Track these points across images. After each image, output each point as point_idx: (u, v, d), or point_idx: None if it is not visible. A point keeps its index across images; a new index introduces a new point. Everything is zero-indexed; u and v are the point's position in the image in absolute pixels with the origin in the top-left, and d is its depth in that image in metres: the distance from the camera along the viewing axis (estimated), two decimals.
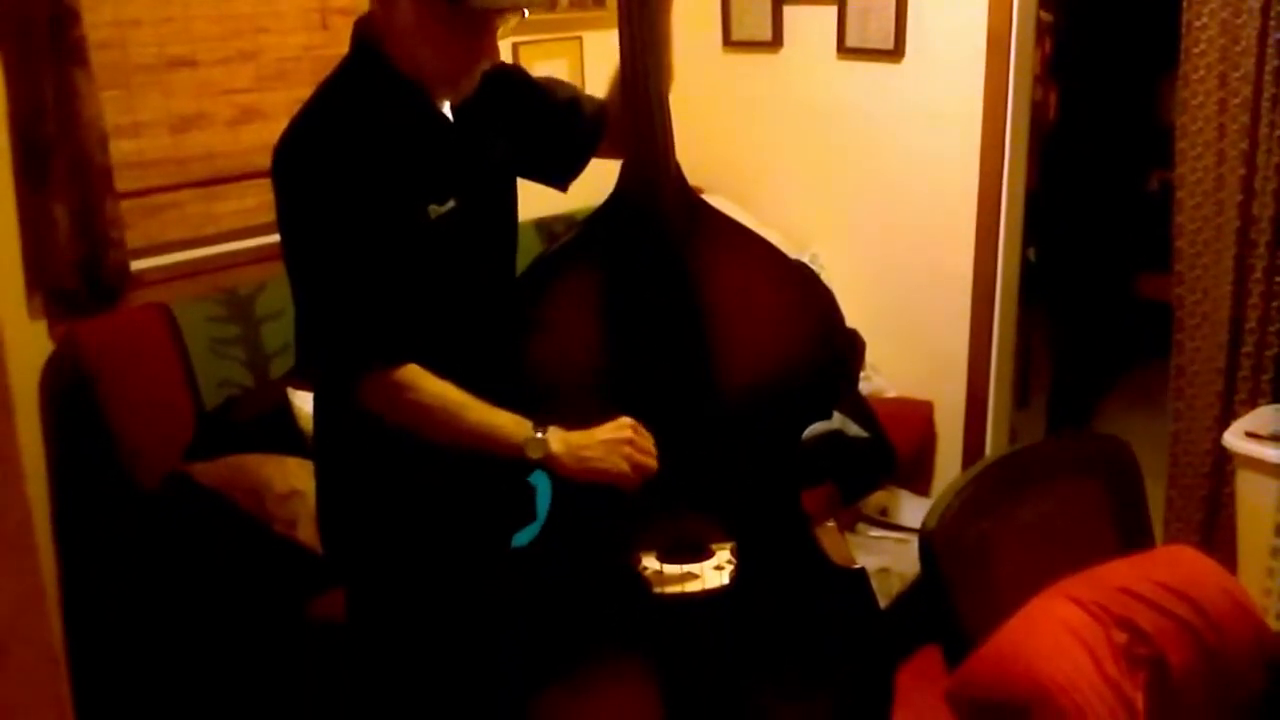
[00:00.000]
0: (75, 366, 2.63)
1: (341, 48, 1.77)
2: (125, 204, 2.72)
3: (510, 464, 1.76)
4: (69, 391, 2.66)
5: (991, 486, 2.00)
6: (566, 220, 3.21)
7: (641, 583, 1.83)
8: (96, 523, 2.73)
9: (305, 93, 1.76)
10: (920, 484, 3.70)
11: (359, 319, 1.68)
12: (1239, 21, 2.91)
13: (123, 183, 2.70)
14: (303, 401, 2.62)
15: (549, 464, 1.72)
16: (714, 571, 1.85)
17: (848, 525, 3.29)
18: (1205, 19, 2.96)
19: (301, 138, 1.69)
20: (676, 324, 1.81)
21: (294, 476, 2.44)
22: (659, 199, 1.80)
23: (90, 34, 2.58)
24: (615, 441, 1.73)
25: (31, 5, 2.47)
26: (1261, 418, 2.94)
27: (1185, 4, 2.99)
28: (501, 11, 1.66)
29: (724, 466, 1.88)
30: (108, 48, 2.69)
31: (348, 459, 1.87)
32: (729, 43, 3.93)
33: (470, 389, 1.71)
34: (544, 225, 3.26)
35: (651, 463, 1.74)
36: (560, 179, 2.00)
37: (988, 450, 3.63)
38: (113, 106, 2.69)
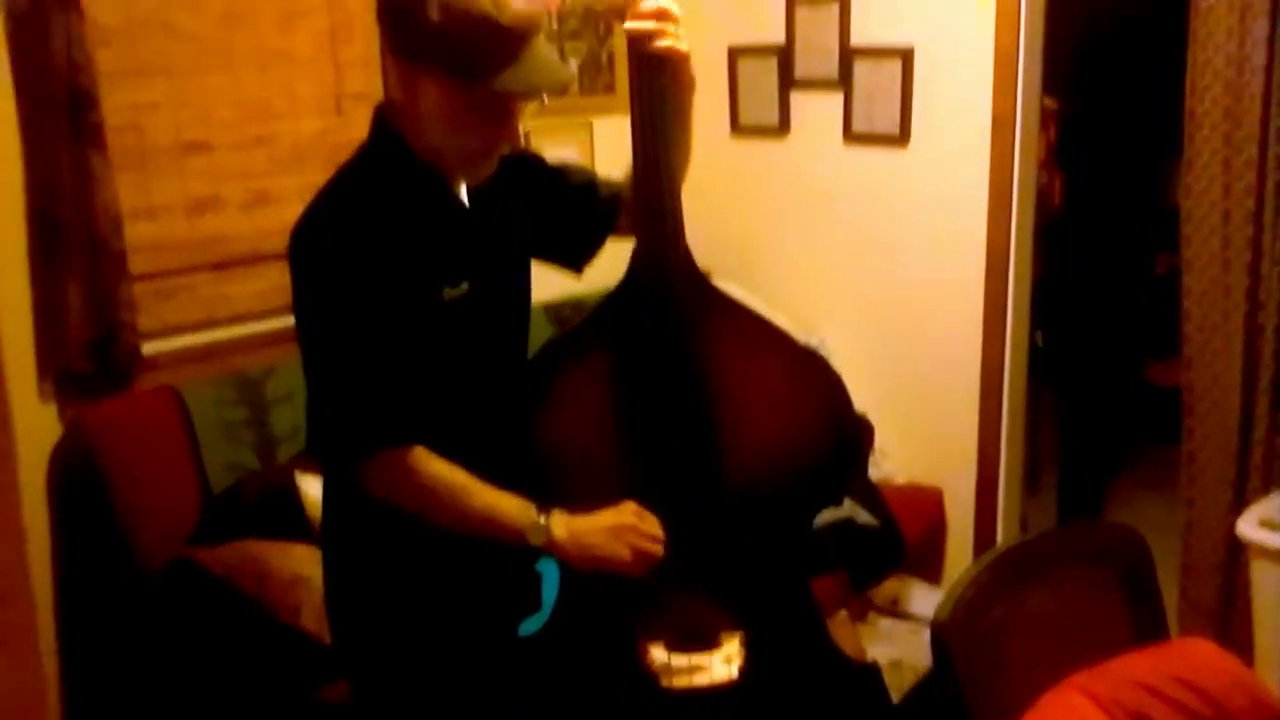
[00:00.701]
0: (84, 449, 2.63)
1: (356, 133, 1.79)
2: (139, 286, 2.74)
3: (517, 551, 1.74)
4: (77, 474, 2.65)
5: (1003, 577, 1.98)
6: (575, 305, 3.22)
7: (648, 675, 1.81)
8: (100, 607, 2.71)
9: (319, 177, 1.78)
10: (931, 572, 3.66)
11: (368, 399, 1.68)
12: (1241, 107, 2.94)
13: (137, 265, 2.72)
14: (310, 486, 2.61)
15: (552, 550, 1.71)
16: (722, 663, 1.82)
17: (859, 615, 3.25)
18: (1208, 105, 3.00)
19: (319, 219, 1.71)
20: (685, 408, 1.81)
21: (299, 563, 2.42)
22: (669, 283, 1.81)
23: (108, 118, 2.62)
24: (619, 528, 1.71)
25: (51, 88, 2.52)
26: (1275, 506, 2.91)
27: (1188, 90, 3.03)
28: (523, 95, 1.68)
29: (732, 553, 1.86)
30: (125, 131, 2.72)
31: (355, 544, 1.86)
32: (736, 128, 3.97)
33: (479, 471, 1.71)
34: (553, 309, 3.27)
35: (656, 549, 1.72)
36: (574, 262, 2.01)
37: (999, 537, 3.60)
38: (129, 189, 2.72)
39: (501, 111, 1.68)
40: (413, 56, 1.65)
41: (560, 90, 1.77)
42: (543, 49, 1.67)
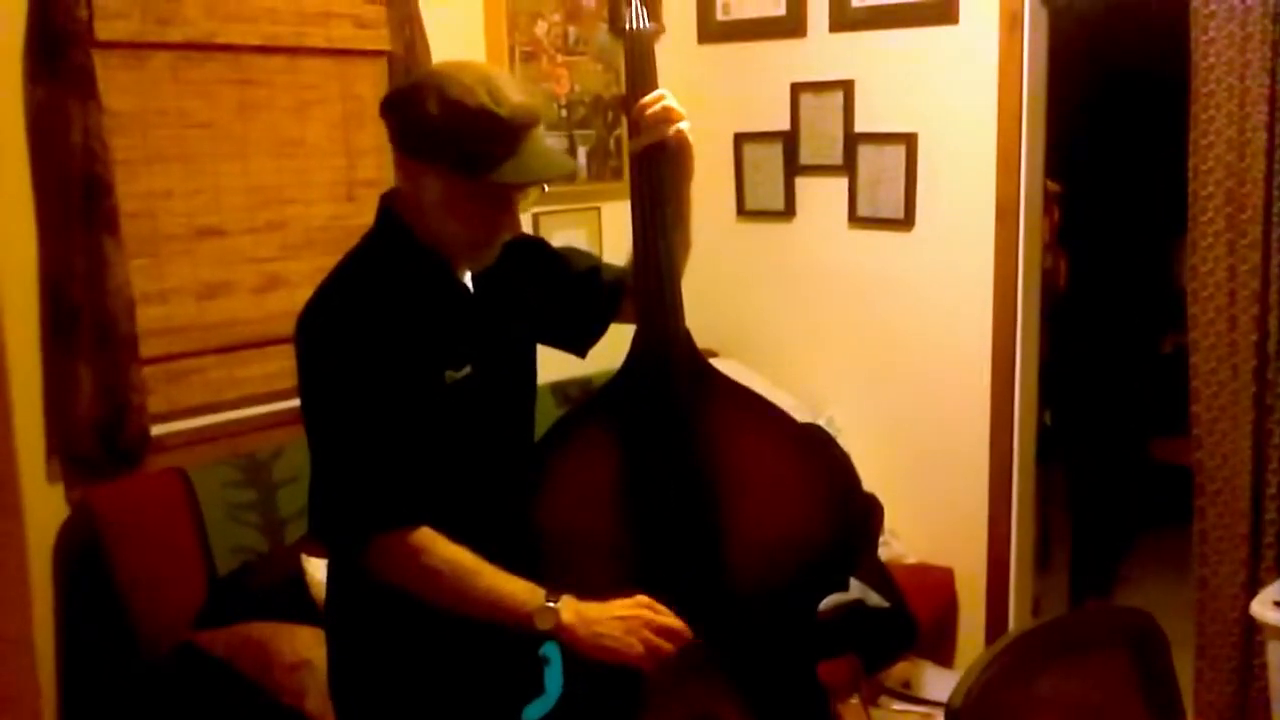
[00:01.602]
0: (90, 530, 2.62)
1: (367, 218, 1.82)
2: (149, 369, 2.75)
3: (522, 635, 1.73)
4: (83, 555, 2.64)
5: (1017, 661, 1.95)
6: (583, 384, 3.23)
7: None
8: (104, 689, 2.68)
9: (330, 261, 1.80)
10: (943, 654, 3.62)
11: (372, 481, 1.68)
12: (1244, 191, 2.98)
13: (147, 348, 2.74)
14: (316, 568, 2.60)
15: (560, 635, 1.69)
16: None
17: (871, 698, 3.20)
18: (1211, 188, 3.03)
19: (323, 304, 1.73)
20: (687, 493, 1.81)
21: (304, 647, 2.40)
22: (669, 368, 1.82)
23: (122, 203, 2.66)
24: (632, 620, 1.69)
25: (67, 174, 2.56)
26: None
27: (1191, 174, 3.06)
28: (523, 186, 1.71)
29: (739, 638, 1.84)
30: (139, 217, 2.76)
31: (358, 627, 1.85)
32: (743, 212, 4.02)
33: (485, 554, 1.70)
34: (559, 389, 3.28)
35: (668, 646, 1.70)
36: (578, 346, 2.02)
37: (1011, 617, 3.56)
38: (141, 274, 2.75)
39: (503, 201, 1.71)
40: (414, 151, 1.69)
41: (562, 180, 1.80)
42: (542, 140, 1.71)
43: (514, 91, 1.66)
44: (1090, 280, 4.63)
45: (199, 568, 2.69)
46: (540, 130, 1.70)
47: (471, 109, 1.62)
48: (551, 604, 1.67)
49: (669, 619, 1.71)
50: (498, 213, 1.72)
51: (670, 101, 1.83)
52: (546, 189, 1.77)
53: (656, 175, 1.82)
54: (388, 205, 1.78)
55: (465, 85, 1.63)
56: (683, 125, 1.83)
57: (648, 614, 1.70)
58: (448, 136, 1.64)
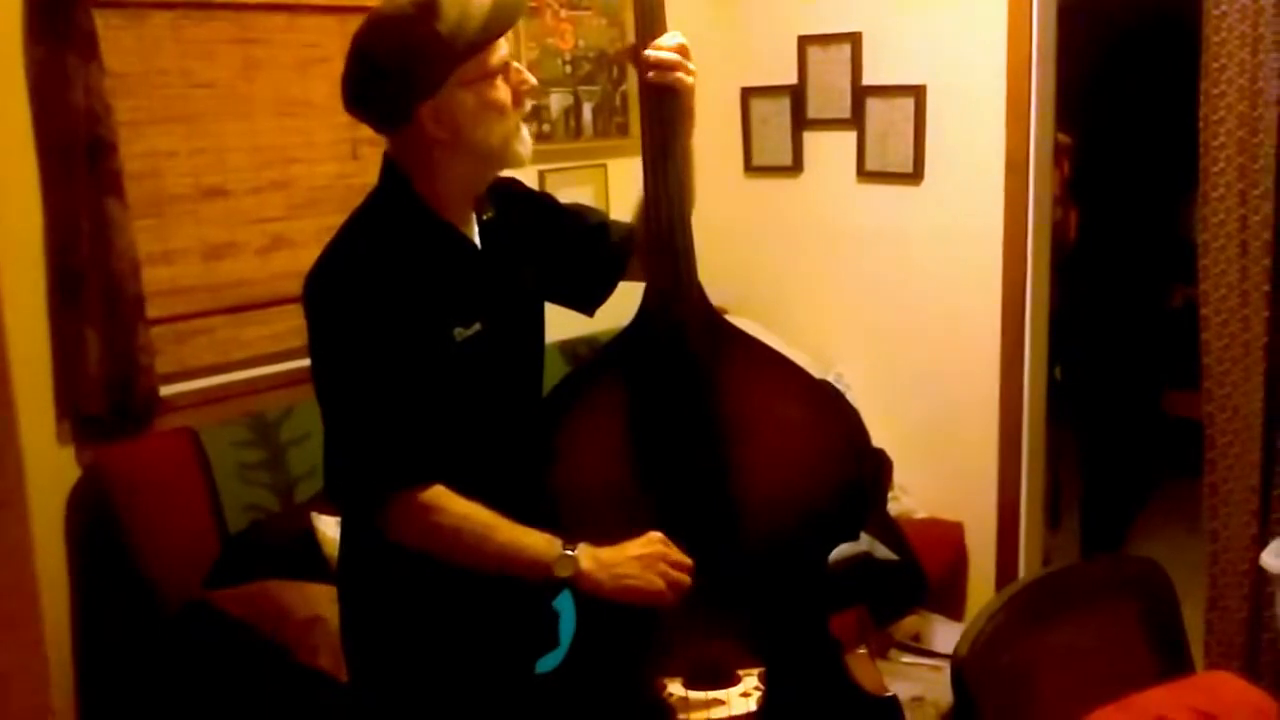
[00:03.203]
0: (101, 491, 2.64)
1: (371, 177, 1.81)
2: (156, 330, 2.76)
3: (534, 588, 1.74)
4: (94, 516, 2.66)
5: (1025, 611, 1.96)
6: (590, 342, 3.23)
7: (666, 709, 1.79)
8: (118, 649, 2.71)
9: (335, 221, 1.79)
10: (953, 608, 3.63)
11: (385, 441, 1.68)
12: (1256, 140, 2.94)
13: (154, 309, 2.75)
14: (327, 526, 2.61)
15: (579, 582, 1.70)
16: (740, 698, 1.80)
17: (880, 652, 3.22)
18: (1222, 138, 2.99)
19: (331, 264, 1.72)
20: (699, 444, 1.80)
21: (316, 603, 2.42)
22: (682, 320, 1.81)
23: (126, 165, 2.66)
24: (649, 557, 1.71)
25: (71, 136, 2.55)
26: None
27: (1202, 124, 3.03)
28: (489, 41, 1.67)
29: (750, 587, 1.85)
30: (143, 178, 2.76)
31: (371, 584, 1.86)
32: (750, 168, 3.99)
33: (498, 509, 1.71)
34: (568, 347, 3.28)
35: (686, 579, 1.72)
36: (587, 303, 2.02)
37: (1021, 571, 3.57)
38: (146, 235, 2.75)
39: (484, 75, 1.68)
40: (391, 118, 1.70)
41: (522, 12, 1.77)
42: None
43: None
44: (1100, 233, 4.60)
45: (210, 526, 2.71)
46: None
47: (415, 38, 1.62)
48: (569, 552, 1.68)
49: (682, 555, 1.73)
50: (488, 92, 1.69)
51: (681, 39, 1.80)
52: (533, 83, 1.76)
53: (668, 121, 1.81)
54: (391, 163, 1.78)
55: (393, 26, 1.63)
56: (690, 66, 1.81)
57: (662, 549, 1.72)
58: (408, 74, 1.64)
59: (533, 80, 1.78)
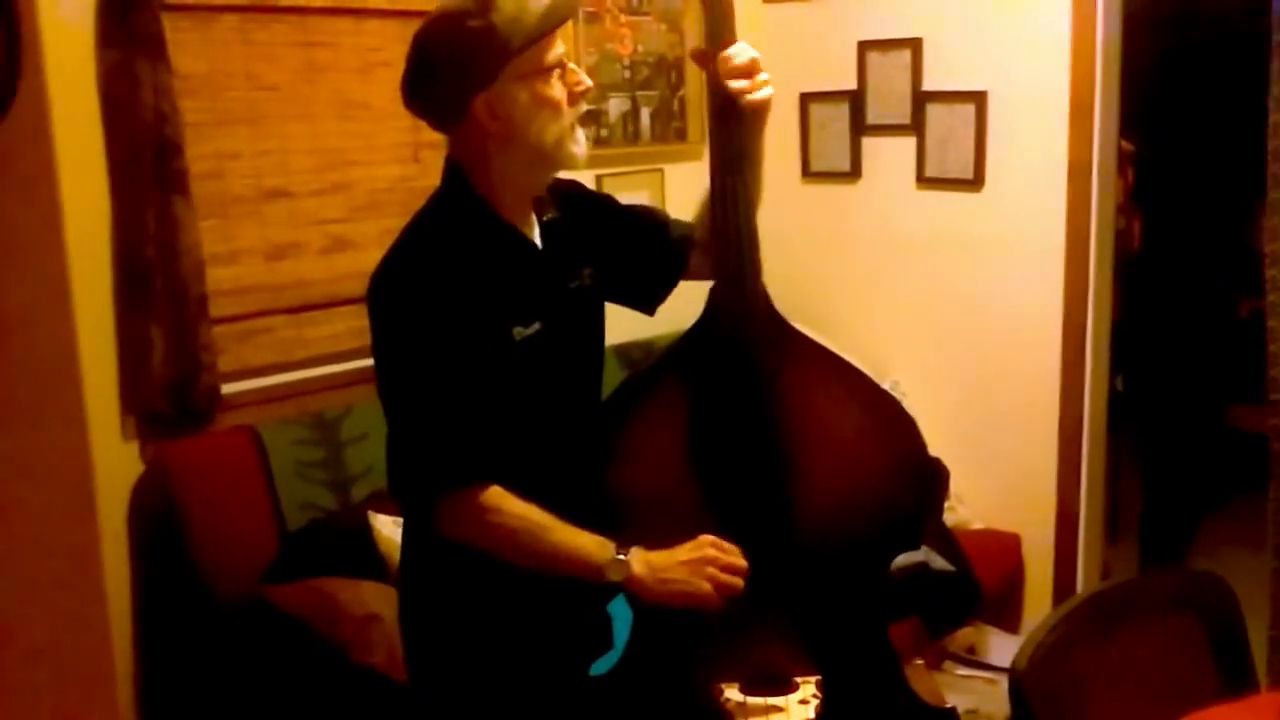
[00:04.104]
0: (163, 487, 2.68)
1: (433, 180, 1.82)
2: (219, 329, 2.80)
3: (590, 591, 1.74)
4: (156, 511, 2.70)
5: (1084, 625, 1.93)
6: (646, 347, 3.23)
7: (723, 715, 1.78)
8: (178, 643, 2.75)
9: (396, 223, 1.81)
10: (1009, 620, 3.59)
11: (443, 440, 1.70)
12: None
13: (218, 308, 2.78)
14: (383, 525, 2.63)
15: (630, 586, 1.70)
16: (799, 705, 1.79)
17: (934, 663, 3.19)
18: None
19: (395, 265, 1.75)
20: (760, 449, 1.80)
21: (372, 601, 2.44)
22: (747, 323, 1.81)
23: (192, 166, 2.70)
24: (698, 562, 1.70)
25: (139, 136, 2.59)
26: None
27: (1271, 131, 2.97)
28: (543, 35, 1.68)
29: (808, 594, 1.84)
30: (208, 179, 2.80)
31: (431, 583, 1.87)
32: (808, 174, 3.97)
33: (554, 510, 1.71)
34: (622, 351, 3.28)
35: (736, 582, 1.70)
36: (647, 302, 2.02)
37: (1079, 584, 3.52)
38: (211, 235, 2.79)
39: (540, 74, 1.69)
40: (447, 113, 1.73)
41: (573, 12, 1.78)
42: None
43: None
44: (1165, 242, 4.52)
45: (269, 523, 2.74)
46: None
47: (464, 30, 1.65)
48: (622, 556, 1.69)
49: (735, 557, 1.72)
50: (544, 89, 1.70)
51: (754, 53, 1.80)
52: (588, 85, 1.77)
53: (739, 127, 1.80)
54: (453, 165, 1.79)
55: (451, 20, 1.66)
56: (764, 77, 1.81)
57: (713, 553, 1.71)
58: (465, 66, 1.66)
59: (588, 82, 1.78)
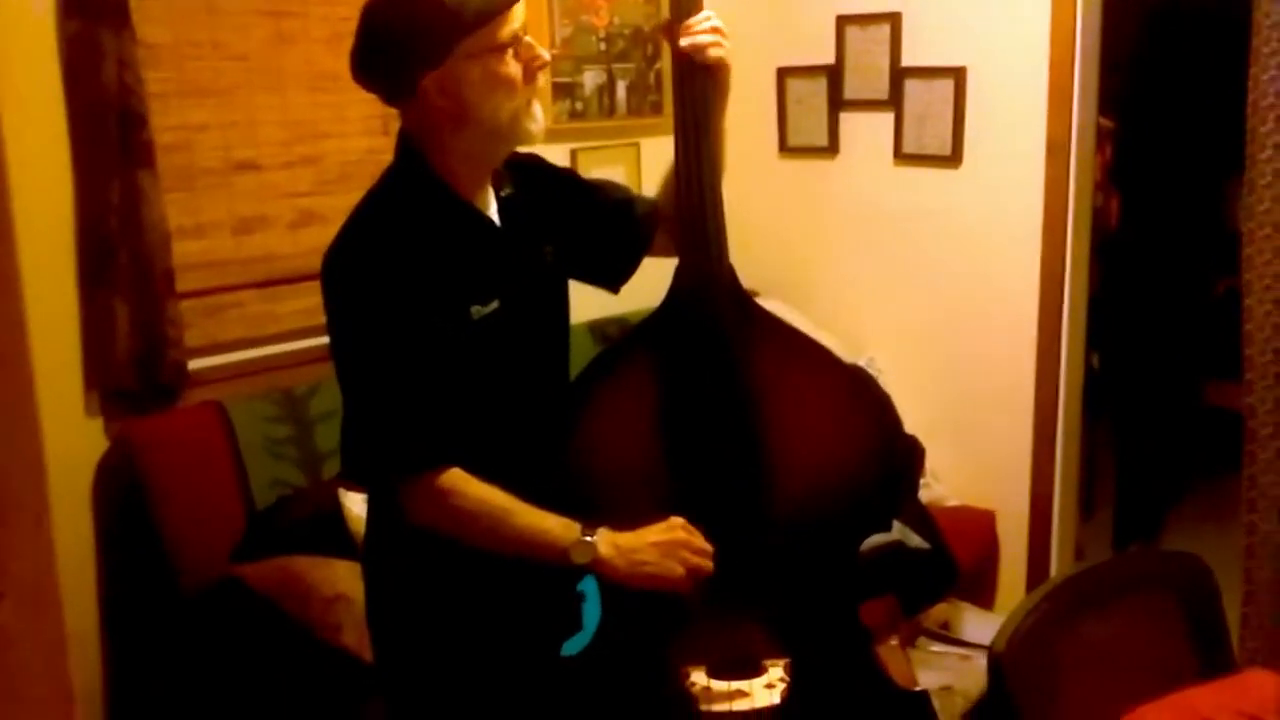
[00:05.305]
0: (129, 464, 2.63)
1: None
2: (185, 303, 2.75)
3: (559, 571, 1.71)
4: (121, 489, 2.66)
5: (1063, 605, 1.92)
6: (620, 322, 3.20)
7: (688, 698, 1.76)
8: (143, 622, 2.71)
9: None
10: (983, 597, 3.59)
11: (399, 424, 1.66)
12: None
13: (184, 283, 2.74)
14: (353, 503, 2.60)
15: (597, 568, 1.68)
16: (765, 690, 1.77)
17: (909, 640, 3.18)
18: (1271, 125, 2.92)
19: (346, 244, 1.70)
20: (729, 427, 1.77)
21: (341, 580, 2.41)
22: (713, 301, 1.78)
23: (158, 138, 2.64)
24: (668, 543, 1.68)
25: (102, 108, 2.54)
26: None
27: (1250, 110, 2.96)
28: (495, 13, 1.63)
29: (778, 576, 1.82)
30: (174, 151, 2.74)
31: (396, 563, 1.84)
32: (785, 149, 3.94)
33: (520, 493, 1.68)
34: (597, 327, 3.25)
35: (706, 564, 1.69)
36: (611, 280, 1.98)
37: (1053, 561, 3.52)
38: (177, 208, 2.74)
39: (505, 50, 1.65)
40: (398, 89, 1.66)
41: None
42: None
43: None
44: (1142, 220, 4.52)
45: (237, 501, 2.70)
46: None
47: (420, 7, 1.59)
48: (588, 538, 1.66)
49: (703, 540, 1.70)
50: (505, 70, 1.65)
51: (717, 21, 1.78)
52: (546, 59, 1.72)
53: (702, 97, 1.77)
54: (407, 140, 1.74)
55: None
56: (726, 44, 1.78)
57: (683, 535, 1.69)
58: (416, 43, 1.60)
59: (545, 56, 1.73)
